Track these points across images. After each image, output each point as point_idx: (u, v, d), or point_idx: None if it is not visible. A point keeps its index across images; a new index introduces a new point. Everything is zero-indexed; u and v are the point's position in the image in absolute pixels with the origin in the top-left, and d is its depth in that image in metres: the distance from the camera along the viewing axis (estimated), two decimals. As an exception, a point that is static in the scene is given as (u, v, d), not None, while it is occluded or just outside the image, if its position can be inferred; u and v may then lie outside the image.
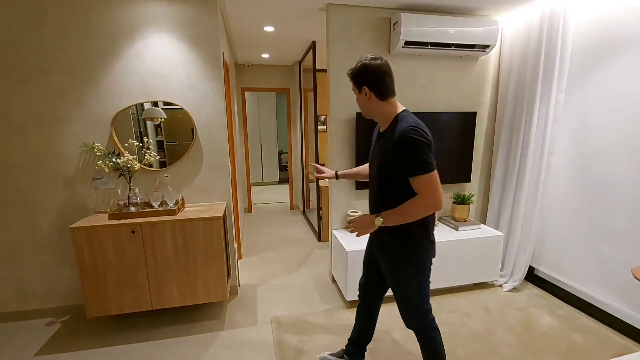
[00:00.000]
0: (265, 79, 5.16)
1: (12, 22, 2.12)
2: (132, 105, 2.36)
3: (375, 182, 1.51)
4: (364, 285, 1.81)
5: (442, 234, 2.74)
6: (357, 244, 2.51)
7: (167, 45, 2.34)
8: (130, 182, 2.35)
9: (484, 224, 3.18)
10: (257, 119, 7.36)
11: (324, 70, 2.93)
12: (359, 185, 2.83)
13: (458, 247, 2.64)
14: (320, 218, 4.08)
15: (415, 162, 1.28)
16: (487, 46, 2.68)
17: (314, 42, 3.69)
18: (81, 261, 2.10)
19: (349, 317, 2.43)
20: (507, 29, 2.84)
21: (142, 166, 2.39)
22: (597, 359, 1.98)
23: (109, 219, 2.18)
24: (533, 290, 2.78)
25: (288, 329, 2.29)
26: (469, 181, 3.04)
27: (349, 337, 1.94)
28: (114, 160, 2.25)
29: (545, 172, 2.53)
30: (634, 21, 2.06)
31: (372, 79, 1.38)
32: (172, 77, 2.39)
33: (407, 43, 2.51)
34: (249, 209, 5.55)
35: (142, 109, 2.41)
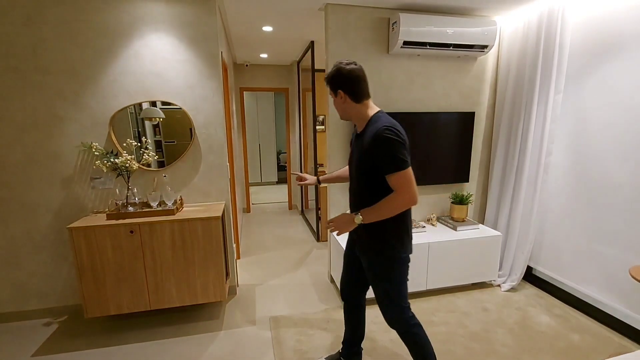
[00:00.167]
0: (263, 79, 5.16)
1: (10, 21, 2.11)
2: (131, 105, 2.36)
3: (354, 181, 1.57)
4: (345, 284, 1.82)
5: (440, 234, 2.74)
6: (355, 243, 2.51)
7: (166, 44, 2.33)
8: (128, 182, 2.34)
9: (482, 224, 3.19)
10: (256, 119, 7.36)
11: (323, 70, 2.94)
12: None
13: (456, 247, 2.65)
14: (318, 218, 4.09)
15: (390, 160, 1.34)
16: (486, 46, 2.69)
17: (312, 42, 3.69)
18: (79, 261, 2.09)
19: (348, 317, 2.43)
20: (506, 29, 2.85)
21: (141, 166, 2.38)
22: (595, 359, 1.99)
23: (107, 219, 2.17)
24: (531, 289, 2.79)
25: (287, 329, 2.29)
26: (467, 181, 3.05)
27: (342, 340, 1.94)
28: (112, 160, 2.24)
29: (544, 172, 2.54)
30: (631, 21, 2.06)
31: (347, 83, 1.44)
32: (170, 76, 2.38)
33: (406, 43, 2.52)
34: (247, 209, 5.54)
35: (141, 108, 2.40)
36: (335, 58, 2.60)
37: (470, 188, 3.16)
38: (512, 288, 2.79)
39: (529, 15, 2.58)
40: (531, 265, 2.86)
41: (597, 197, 2.32)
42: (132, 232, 2.13)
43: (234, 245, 2.91)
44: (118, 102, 2.33)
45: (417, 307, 2.54)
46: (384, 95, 2.76)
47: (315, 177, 1.97)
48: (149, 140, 2.41)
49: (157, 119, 2.45)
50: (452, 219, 2.96)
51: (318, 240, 4.10)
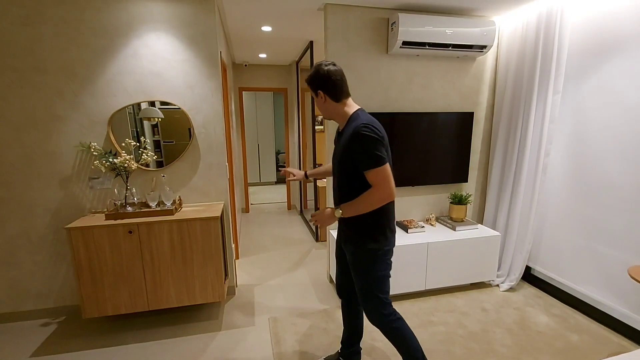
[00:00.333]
0: (262, 79, 5.15)
1: (8, 20, 2.10)
2: (129, 105, 2.35)
3: (336, 177, 1.61)
4: (340, 281, 1.84)
5: (439, 234, 2.75)
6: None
7: (165, 44, 2.33)
8: (127, 182, 2.34)
9: (481, 224, 3.20)
10: (255, 119, 7.35)
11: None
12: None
13: (455, 247, 2.65)
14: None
15: (367, 156, 1.38)
16: (485, 47, 2.69)
17: (311, 42, 3.68)
18: (77, 261, 2.08)
19: (347, 317, 2.43)
20: (504, 29, 2.85)
21: (139, 166, 2.37)
22: (593, 358, 1.99)
23: (105, 219, 2.17)
24: (529, 289, 2.80)
25: (286, 329, 2.29)
26: (466, 181, 3.05)
27: (341, 340, 1.94)
28: (110, 160, 2.24)
29: (542, 172, 2.55)
30: (630, 21, 2.07)
31: (326, 84, 1.48)
32: (169, 76, 2.38)
33: (405, 43, 2.52)
34: (246, 209, 5.54)
35: (139, 108, 2.39)
36: (334, 58, 2.60)
37: (469, 188, 3.16)
38: (510, 288, 2.79)
39: (528, 16, 2.59)
40: (530, 265, 2.87)
41: (595, 197, 2.33)
42: (130, 232, 2.13)
43: (233, 246, 2.91)
44: (117, 101, 2.32)
45: (416, 307, 2.54)
46: (383, 95, 2.76)
47: (303, 172, 2.01)
48: (147, 140, 2.40)
49: (156, 118, 2.44)
50: (451, 219, 2.97)
51: (317, 240, 4.10)
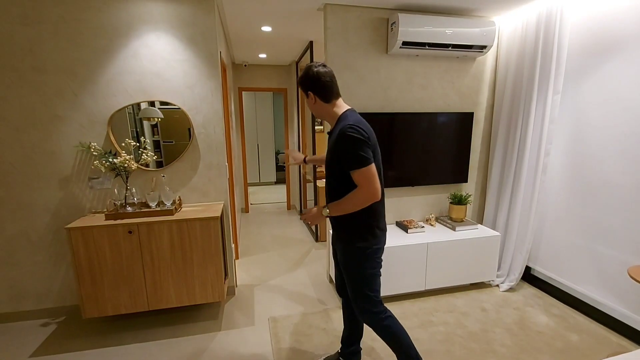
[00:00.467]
0: (262, 79, 5.15)
1: (7, 20, 2.10)
2: (129, 105, 2.35)
3: (327, 176, 1.64)
4: (339, 280, 1.86)
5: (439, 234, 2.75)
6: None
7: (164, 44, 2.33)
8: (127, 182, 2.33)
9: (481, 224, 3.20)
10: (254, 119, 7.35)
11: (322, 70, 2.93)
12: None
13: (455, 247, 2.65)
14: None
15: (352, 157, 1.40)
16: (484, 47, 2.70)
17: (311, 42, 3.68)
18: (77, 261, 2.08)
19: (347, 317, 2.43)
20: (504, 29, 2.85)
21: (139, 166, 2.37)
22: (593, 358, 2.00)
23: (105, 219, 2.17)
24: (529, 289, 2.80)
25: (285, 329, 2.29)
26: (466, 181, 3.05)
27: (341, 339, 1.95)
28: (110, 160, 2.23)
29: (542, 173, 2.55)
30: (630, 21, 2.07)
31: (316, 85, 1.52)
32: (169, 76, 2.38)
33: (405, 43, 2.52)
34: (246, 209, 5.53)
35: (139, 108, 2.39)
36: (334, 58, 2.60)
37: (469, 188, 3.16)
38: (510, 288, 2.79)
39: (528, 16, 2.59)
40: (530, 265, 2.87)
41: (595, 197, 2.33)
42: (130, 232, 2.13)
43: (233, 246, 2.91)
44: (117, 101, 2.32)
45: (416, 307, 2.54)
46: (382, 95, 2.76)
47: (303, 157, 2.05)
48: (147, 140, 2.40)
49: (156, 118, 2.44)
50: (451, 219, 2.97)
51: (317, 240, 4.09)
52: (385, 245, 2.46)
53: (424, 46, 2.57)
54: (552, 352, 2.05)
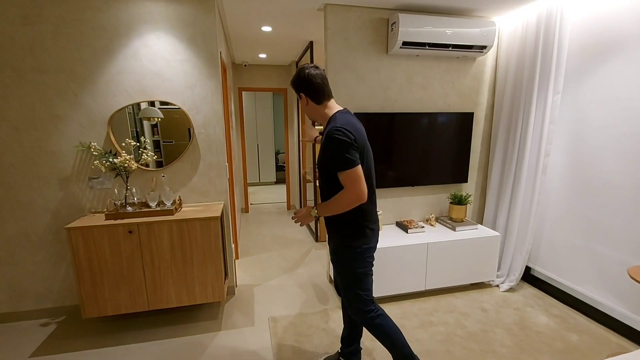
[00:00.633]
0: (262, 79, 5.15)
1: (7, 20, 2.10)
2: (129, 105, 2.35)
3: (318, 177, 1.66)
4: (337, 279, 1.85)
5: (439, 234, 2.75)
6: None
7: (164, 44, 2.33)
8: (127, 182, 2.33)
9: (481, 224, 3.20)
10: (254, 119, 7.34)
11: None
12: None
13: (455, 247, 2.65)
14: (317, 218, 4.07)
15: (338, 159, 1.43)
16: (484, 47, 2.70)
17: (311, 42, 3.68)
18: (77, 261, 2.08)
19: (347, 317, 2.43)
20: (504, 29, 2.85)
21: (139, 166, 2.37)
22: (593, 359, 2.00)
23: (105, 219, 2.17)
24: (529, 290, 2.80)
25: (285, 329, 2.29)
26: (466, 181, 3.05)
27: (340, 338, 1.95)
28: (110, 160, 2.23)
29: (542, 173, 2.55)
30: (630, 21, 2.07)
31: (308, 86, 1.54)
32: (169, 76, 2.38)
33: (405, 44, 2.52)
34: (246, 209, 5.53)
35: (139, 108, 2.39)
36: (334, 58, 2.60)
37: (469, 188, 3.16)
38: (510, 288, 2.79)
39: (528, 16, 2.59)
40: (530, 265, 2.87)
41: (595, 198, 2.33)
42: (130, 232, 2.13)
43: (233, 246, 2.91)
44: (117, 101, 2.32)
45: (416, 308, 2.54)
46: (382, 95, 2.76)
47: (317, 135, 2.08)
48: (147, 140, 2.40)
49: (156, 118, 2.44)
50: (451, 219, 2.97)
51: (317, 240, 4.09)
52: (386, 246, 2.47)
53: (424, 46, 2.57)
54: (552, 352, 2.05)
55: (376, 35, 2.65)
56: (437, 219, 3.08)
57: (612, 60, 2.19)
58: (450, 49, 2.63)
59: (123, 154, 2.26)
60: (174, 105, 2.42)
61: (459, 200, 2.92)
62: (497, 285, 2.85)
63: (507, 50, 2.82)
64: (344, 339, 1.91)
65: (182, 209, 2.44)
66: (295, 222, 1.66)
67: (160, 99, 2.39)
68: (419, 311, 2.49)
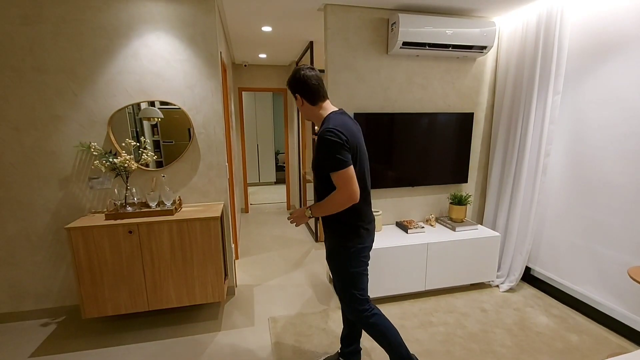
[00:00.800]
0: (262, 79, 5.15)
1: (7, 20, 2.10)
2: (129, 105, 2.35)
3: (313, 177, 1.67)
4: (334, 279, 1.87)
5: (439, 234, 2.75)
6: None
7: (164, 44, 2.33)
8: (127, 182, 2.33)
9: (481, 224, 3.20)
10: (254, 119, 7.35)
11: (322, 71, 2.93)
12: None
13: (455, 247, 2.65)
14: (317, 218, 4.08)
15: (330, 160, 1.44)
16: (484, 47, 2.70)
17: (311, 43, 3.68)
18: (77, 261, 2.08)
19: (347, 317, 2.43)
20: (504, 29, 2.85)
21: (139, 166, 2.37)
22: (593, 359, 2.00)
23: (105, 219, 2.17)
24: (529, 290, 2.80)
25: (285, 330, 2.29)
26: (466, 182, 3.05)
27: (340, 338, 1.95)
28: (110, 160, 2.23)
29: (542, 173, 2.55)
30: (630, 21, 2.07)
31: (303, 87, 1.56)
32: (169, 76, 2.38)
33: (405, 44, 2.52)
34: (245, 209, 5.53)
35: (139, 108, 2.39)
36: (334, 58, 2.60)
37: (469, 189, 3.16)
38: (510, 288, 2.79)
39: (528, 16, 2.59)
40: (529, 265, 2.87)
41: (595, 198, 2.33)
42: (130, 232, 2.12)
43: (233, 246, 2.91)
44: (117, 101, 2.32)
45: (416, 308, 2.54)
46: (382, 96, 2.76)
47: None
48: (147, 140, 2.40)
49: (156, 118, 2.44)
50: (451, 219, 2.97)
51: (316, 240, 4.09)
52: (386, 246, 2.48)
53: (424, 46, 2.57)
54: (552, 352, 2.05)
55: (376, 36, 2.65)
56: (437, 219, 3.08)
57: (612, 60, 2.19)
58: (450, 49, 2.63)
59: (123, 154, 2.26)
60: (174, 105, 2.42)
61: (459, 201, 2.92)
62: (497, 286, 2.85)
63: (507, 50, 2.82)
64: (344, 338, 1.91)
65: (182, 209, 2.44)
66: (291, 222, 1.67)
67: (160, 99, 2.39)
68: (419, 311, 2.49)
